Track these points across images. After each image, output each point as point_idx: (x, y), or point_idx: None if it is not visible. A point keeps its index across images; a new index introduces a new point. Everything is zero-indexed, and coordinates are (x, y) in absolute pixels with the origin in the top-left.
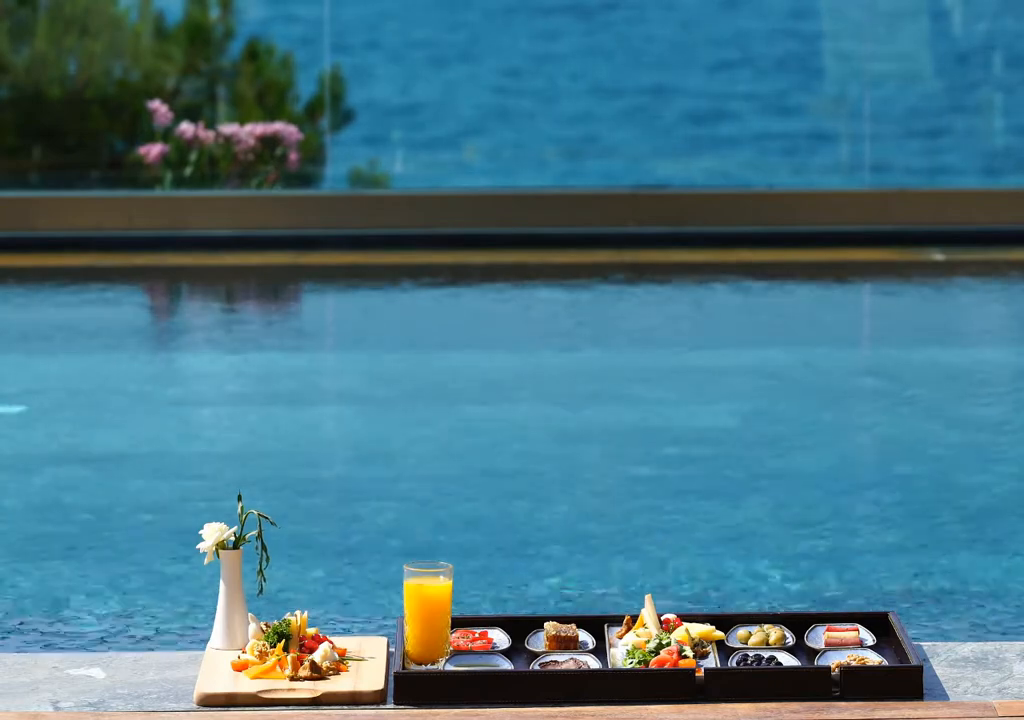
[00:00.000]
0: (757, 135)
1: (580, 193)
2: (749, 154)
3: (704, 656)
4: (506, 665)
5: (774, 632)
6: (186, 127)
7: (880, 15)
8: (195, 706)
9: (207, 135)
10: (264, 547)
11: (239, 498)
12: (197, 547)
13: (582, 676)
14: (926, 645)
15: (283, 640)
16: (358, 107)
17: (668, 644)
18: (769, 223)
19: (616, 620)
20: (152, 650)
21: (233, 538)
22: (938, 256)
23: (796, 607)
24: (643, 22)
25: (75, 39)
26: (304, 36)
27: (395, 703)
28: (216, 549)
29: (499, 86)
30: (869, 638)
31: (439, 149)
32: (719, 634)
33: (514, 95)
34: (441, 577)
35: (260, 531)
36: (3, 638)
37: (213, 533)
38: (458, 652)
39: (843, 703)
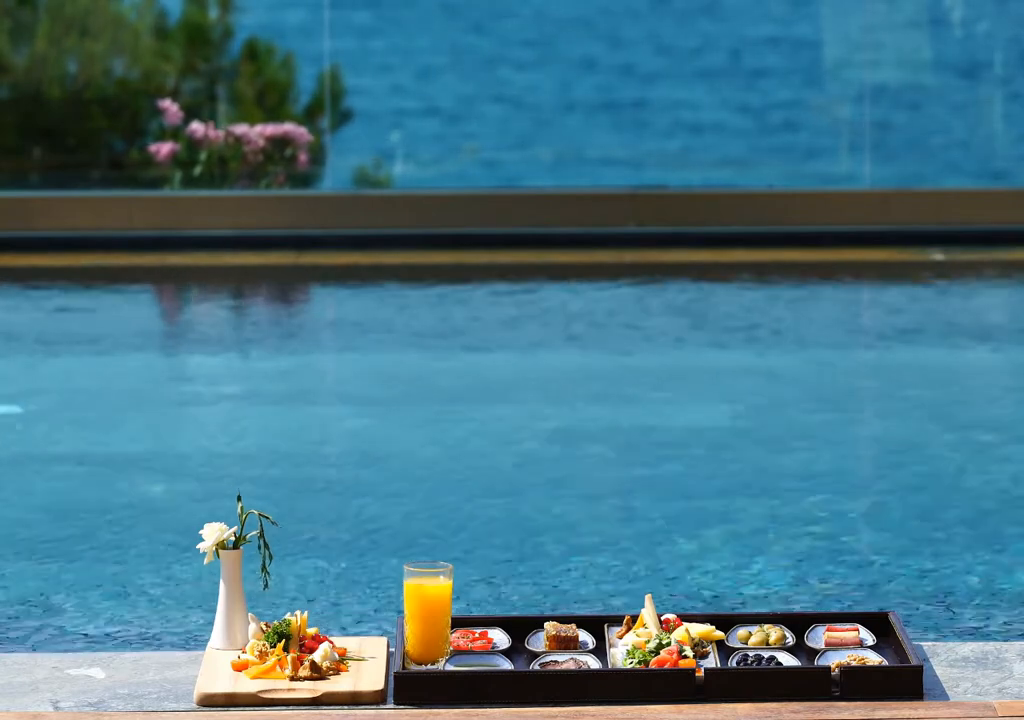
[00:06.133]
0: (757, 137)
1: (580, 193)
2: (748, 157)
3: (704, 656)
4: (506, 665)
5: (774, 632)
6: (196, 126)
7: (880, 17)
8: (195, 706)
9: (216, 135)
10: (267, 545)
11: (239, 498)
12: (197, 547)
13: (582, 676)
14: (926, 645)
15: (283, 640)
16: (357, 107)
17: (668, 644)
18: (769, 223)
19: (616, 620)
20: (152, 650)
21: (233, 538)
22: (938, 256)
23: (796, 607)
24: (643, 25)
25: (75, 39)
26: (303, 36)
27: (395, 703)
28: (216, 549)
29: (499, 87)
30: (869, 638)
31: (439, 149)
32: (719, 634)
33: (514, 96)
34: (441, 577)
35: (262, 529)
36: (3, 638)
37: (213, 533)
38: (458, 652)
39: (843, 703)
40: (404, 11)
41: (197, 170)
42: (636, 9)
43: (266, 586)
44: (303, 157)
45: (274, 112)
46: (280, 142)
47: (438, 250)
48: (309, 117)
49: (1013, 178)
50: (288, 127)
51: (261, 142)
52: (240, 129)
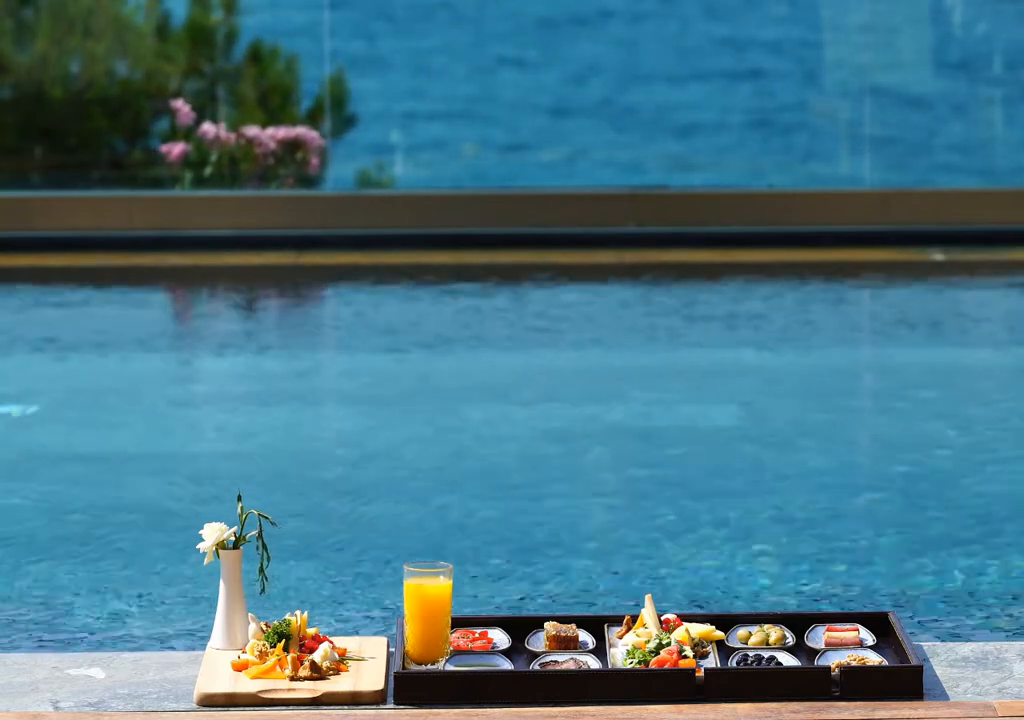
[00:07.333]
0: (757, 138)
1: (580, 193)
2: (749, 157)
3: (704, 656)
4: (506, 665)
5: (774, 632)
6: (208, 127)
7: (880, 18)
8: (195, 706)
9: (228, 136)
10: (265, 546)
11: (239, 498)
12: (197, 547)
13: (582, 676)
14: (926, 645)
15: (283, 640)
16: (358, 108)
17: (668, 644)
18: (769, 223)
19: (616, 620)
20: (152, 650)
21: (233, 538)
22: (938, 256)
23: (796, 607)
24: (644, 27)
25: (77, 39)
26: (305, 38)
27: (395, 703)
28: (216, 549)
29: (499, 87)
30: (869, 638)
31: (440, 150)
32: (719, 634)
33: (514, 96)
34: (441, 577)
35: (260, 530)
36: (3, 638)
37: (213, 533)
38: (458, 652)
39: (843, 703)
40: (405, 12)
41: (207, 171)
42: (637, 9)
43: (263, 591)
44: (314, 160)
45: (277, 114)
46: (291, 145)
47: (438, 250)
48: (311, 119)
49: (1013, 178)
50: (300, 130)
51: (272, 144)
52: (251, 131)
